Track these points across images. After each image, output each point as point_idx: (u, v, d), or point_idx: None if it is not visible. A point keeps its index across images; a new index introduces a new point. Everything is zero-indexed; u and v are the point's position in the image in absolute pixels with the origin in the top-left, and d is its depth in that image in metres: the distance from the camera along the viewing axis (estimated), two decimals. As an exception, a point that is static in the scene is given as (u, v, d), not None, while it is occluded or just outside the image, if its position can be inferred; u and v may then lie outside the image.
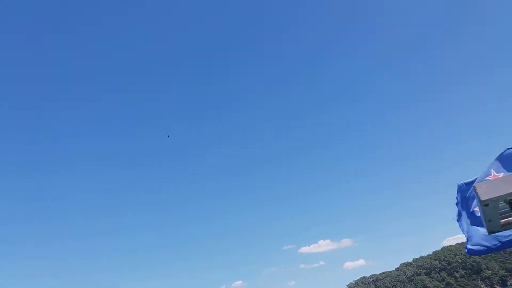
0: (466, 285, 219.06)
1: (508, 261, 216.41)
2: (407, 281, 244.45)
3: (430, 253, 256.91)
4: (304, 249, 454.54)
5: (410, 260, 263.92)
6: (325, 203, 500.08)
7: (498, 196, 1.64)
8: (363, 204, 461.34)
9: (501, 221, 2.25)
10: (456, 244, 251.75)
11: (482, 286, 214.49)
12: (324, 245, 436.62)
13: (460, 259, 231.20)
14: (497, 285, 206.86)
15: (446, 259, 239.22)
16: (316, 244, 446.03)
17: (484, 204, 1.74)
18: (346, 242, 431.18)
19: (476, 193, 1.67)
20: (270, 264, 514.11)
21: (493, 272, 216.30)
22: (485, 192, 1.67)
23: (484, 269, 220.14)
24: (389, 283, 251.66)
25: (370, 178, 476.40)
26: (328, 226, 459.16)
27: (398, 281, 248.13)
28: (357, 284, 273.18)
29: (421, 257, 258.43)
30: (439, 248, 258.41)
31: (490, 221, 2.08)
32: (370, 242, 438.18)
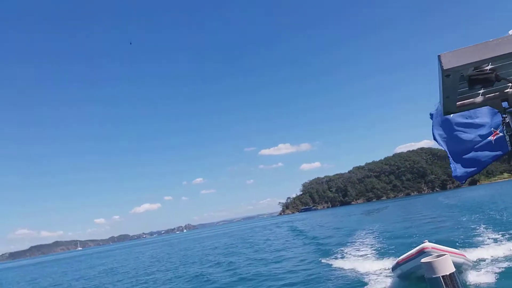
0: (410, 187, 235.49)
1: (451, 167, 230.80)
2: (357, 182, 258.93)
3: (382, 158, 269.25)
4: (264, 151, 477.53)
5: (363, 164, 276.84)
6: (288, 110, 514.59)
7: (462, 66, 1.60)
8: (324, 111, 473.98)
9: (457, 103, 2.16)
10: (407, 151, 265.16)
11: (424, 188, 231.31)
12: (283, 148, 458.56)
13: (409, 164, 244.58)
14: (438, 188, 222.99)
15: (396, 164, 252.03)
16: (275, 147, 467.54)
17: (446, 75, 1.70)
18: (304, 146, 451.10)
19: (440, 62, 1.64)
20: (231, 164, 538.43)
21: (436, 176, 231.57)
22: (448, 61, 1.63)
23: (429, 173, 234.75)
24: (341, 184, 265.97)
25: (334, 87, 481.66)
26: (288, 131, 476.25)
27: (349, 182, 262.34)
28: (311, 184, 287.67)
29: (373, 161, 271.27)
30: (391, 155, 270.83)
31: (447, 97, 2.02)
32: (327, 147, 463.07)
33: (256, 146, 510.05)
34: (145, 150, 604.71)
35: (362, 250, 20.36)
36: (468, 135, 4.29)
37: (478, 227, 22.16)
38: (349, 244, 23.99)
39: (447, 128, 4.49)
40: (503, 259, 12.60)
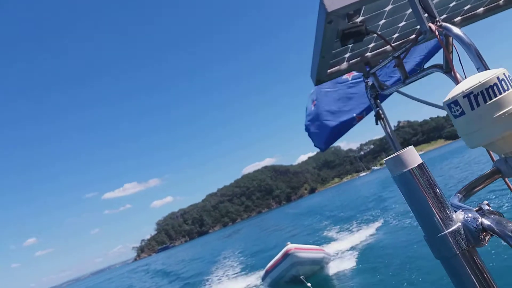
0: (261, 204, 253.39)
1: (293, 180, 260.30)
2: (212, 209, 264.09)
3: (232, 181, 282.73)
4: (108, 195, 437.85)
5: (215, 190, 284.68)
6: (130, 146, 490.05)
7: (345, 6, 1.51)
8: (169, 142, 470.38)
9: (329, 70, 2.15)
10: (254, 171, 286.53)
11: (273, 203, 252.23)
12: (130, 188, 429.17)
13: (256, 183, 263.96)
14: (284, 201, 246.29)
15: (245, 185, 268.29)
16: (121, 188, 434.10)
17: (329, 21, 1.60)
18: (153, 181, 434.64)
19: (323, 5, 1.53)
20: (69, 215, 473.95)
21: (281, 191, 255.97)
22: (332, 3, 1.52)
23: (275, 189, 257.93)
24: (196, 214, 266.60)
25: (175, 116, 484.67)
26: (133, 167, 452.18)
27: (204, 211, 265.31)
28: (166, 220, 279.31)
29: (224, 186, 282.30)
30: (240, 177, 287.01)
31: (323, 57, 1.93)
32: (177, 179, 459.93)
33: (98, 190, 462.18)
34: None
35: (230, 272, 20.07)
36: (331, 122, 4.31)
37: (325, 226, 24.82)
38: (216, 270, 23.43)
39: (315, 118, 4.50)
40: (354, 246, 14.10)
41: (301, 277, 9.73)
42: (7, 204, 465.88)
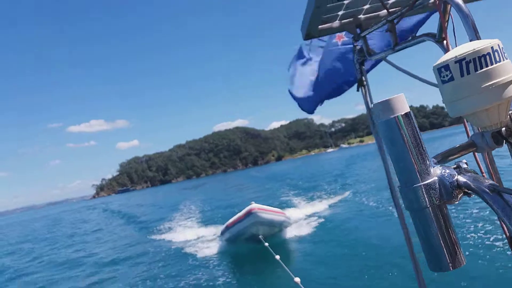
0: (227, 164, 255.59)
1: (262, 145, 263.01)
2: (178, 160, 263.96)
3: (202, 136, 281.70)
4: (73, 128, 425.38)
5: (183, 142, 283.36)
6: (102, 80, 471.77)
7: None
8: (141, 83, 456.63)
9: (320, 26, 2.09)
10: (225, 130, 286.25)
11: (239, 164, 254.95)
12: (96, 125, 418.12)
13: (226, 142, 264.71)
14: (250, 164, 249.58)
15: (215, 142, 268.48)
16: (87, 123, 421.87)
17: None
18: (121, 122, 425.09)
19: None
20: (30, 142, 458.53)
21: (249, 153, 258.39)
22: None
23: (243, 151, 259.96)
24: (161, 162, 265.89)
25: (150, 58, 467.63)
26: (101, 104, 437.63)
27: (170, 160, 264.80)
28: (129, 163, 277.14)
29: (194, 139, 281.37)
30: (210, 133, 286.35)
31: (318, 7, 1.85)
32: (146, 124, 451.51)
33: (63, 122, 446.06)
34: None
35: (188, 222, 20.46)
36: (322, 85, 4.24)
37: (287, 193, 25.52)
38: (175, 218, 23.80)
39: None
40: (312, 215, 14.66)
41: (260, 236, 10.07)
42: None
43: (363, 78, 2.29)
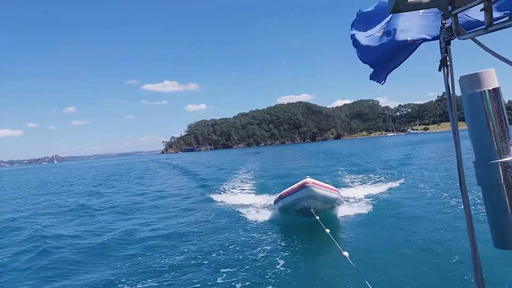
0: (285, 136, 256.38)
1: (322, 122, 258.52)
2: (241, 128, 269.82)
3: (265, 108, 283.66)
4: (148, 86, 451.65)
5: (247, 111, 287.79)
6: (178, 44, 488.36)
7: None
8: (217, 51, 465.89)
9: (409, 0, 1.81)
10: (288, 103, 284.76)
11: (297, 138, 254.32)
12: (169, 86, 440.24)
13: (287, 116, 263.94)
14: (308, 139, 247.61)
15: (277, 114, 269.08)
16: (161, 84, 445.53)
17: None
18: (192, 86, 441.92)
19: None
20: (109, 95, 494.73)
21: (308, 129, 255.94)
22: None
23: (303, 126, 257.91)
24: (225, 128, 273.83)
25: (230, 29, 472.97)
26: (177, 67, 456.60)
27: (233, 127, 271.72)
28: (197, 125, 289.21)
29: (257, 110, 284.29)
30: (273, 105, 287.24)
31: None
32: (215, 90, 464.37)
33: (139, 79, 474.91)
34: (6, 65, 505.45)
35: (244, 187, 21.25)
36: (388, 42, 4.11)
37: (342, 171, 25.25)
38: (232, 181, 24.82)
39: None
40: (367, 197, 14.50)
41: (312, 210, 10.24)
42: (53, 71, 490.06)
43: (447, 58, 2.18)
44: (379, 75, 4.25)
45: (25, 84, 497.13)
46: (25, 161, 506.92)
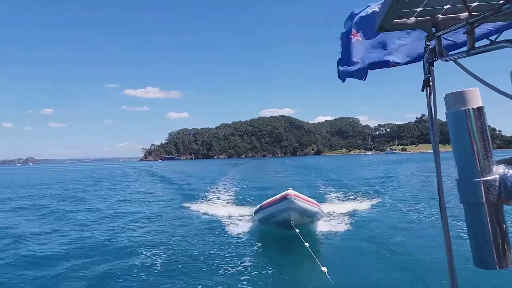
0: (267, 149, 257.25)
1: (304, 137, 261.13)
2: (222, 138, 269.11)
3: (248, 119, 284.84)
4: (129, 92, 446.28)
5: (230, 122, 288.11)
6: (162, 52, 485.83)
7: None
8: (199, 60, 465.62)
9: (395, 20, 1.93)
10: (270, 116, 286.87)
11: (279, 152, 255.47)
12: (151, 92, 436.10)
13: (269, 129, 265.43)
14: (289, 154, 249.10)
15: (259, 127, 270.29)
16: (143, 89, 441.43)
17: None
18: (174, 93, 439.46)
19: None
20: (88, 99, 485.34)
21: (290, 143, 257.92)
22: None
23: (284, 140, 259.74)
24: (207, 138, 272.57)
25: (218, 35, 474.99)
26: (160, 73, 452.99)
27: (215, 137, 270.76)
28: (178, 134, 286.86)
29: (240, 121, 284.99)
30: (256, 117, 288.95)
31: (397, 0, 1.68)
32: (197, 98, 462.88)
33: (120, 84, 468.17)
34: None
35: (224, 197, 21.04)
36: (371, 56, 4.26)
37: (324, 186, 25.38)
38: (212, 191, 24.56)
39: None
40: (346, 213, 14.53)
41: (292, 222, 10.18)
42: (32, 72, 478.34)
43: (430, 79, 2.23)
44: (360, 72, 4.27)
45: (0, 82, 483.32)
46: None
